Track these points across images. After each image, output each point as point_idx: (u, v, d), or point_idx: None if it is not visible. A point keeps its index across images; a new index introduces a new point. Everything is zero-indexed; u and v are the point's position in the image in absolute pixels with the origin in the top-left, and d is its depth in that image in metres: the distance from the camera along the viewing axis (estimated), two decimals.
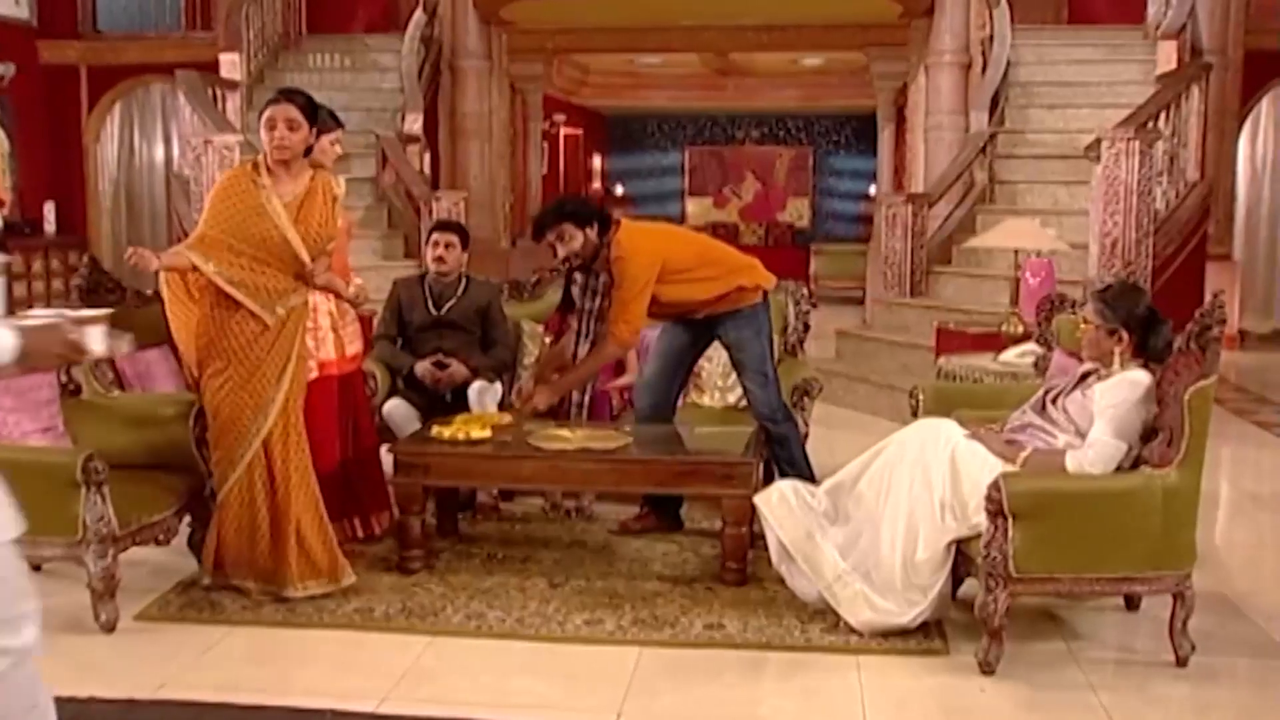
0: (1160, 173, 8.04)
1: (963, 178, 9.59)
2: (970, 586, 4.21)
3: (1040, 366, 5.29)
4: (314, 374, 4.92)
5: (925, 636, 4.06)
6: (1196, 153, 8.66)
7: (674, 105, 19.81)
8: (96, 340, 2.73)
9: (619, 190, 21.34)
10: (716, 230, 20.56)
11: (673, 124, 21.20)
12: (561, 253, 4.95)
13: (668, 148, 21.42)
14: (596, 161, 20.73)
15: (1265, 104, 12.12)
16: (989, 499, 3.73)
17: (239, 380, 4.34)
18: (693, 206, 21.41)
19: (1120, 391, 3.90)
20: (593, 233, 4.91)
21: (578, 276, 5.17)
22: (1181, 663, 3.88)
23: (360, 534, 5.11)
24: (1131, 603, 4.38)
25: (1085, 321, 4.09)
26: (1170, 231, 8.16)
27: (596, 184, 20.83)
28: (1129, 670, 3.92)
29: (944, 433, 4.15)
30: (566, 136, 18.49)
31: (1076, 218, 8.52)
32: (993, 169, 9.63)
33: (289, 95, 4.51)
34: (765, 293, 5.16)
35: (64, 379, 4.70)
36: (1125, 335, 3.98)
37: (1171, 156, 8.35)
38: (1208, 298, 3.97)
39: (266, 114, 4.44)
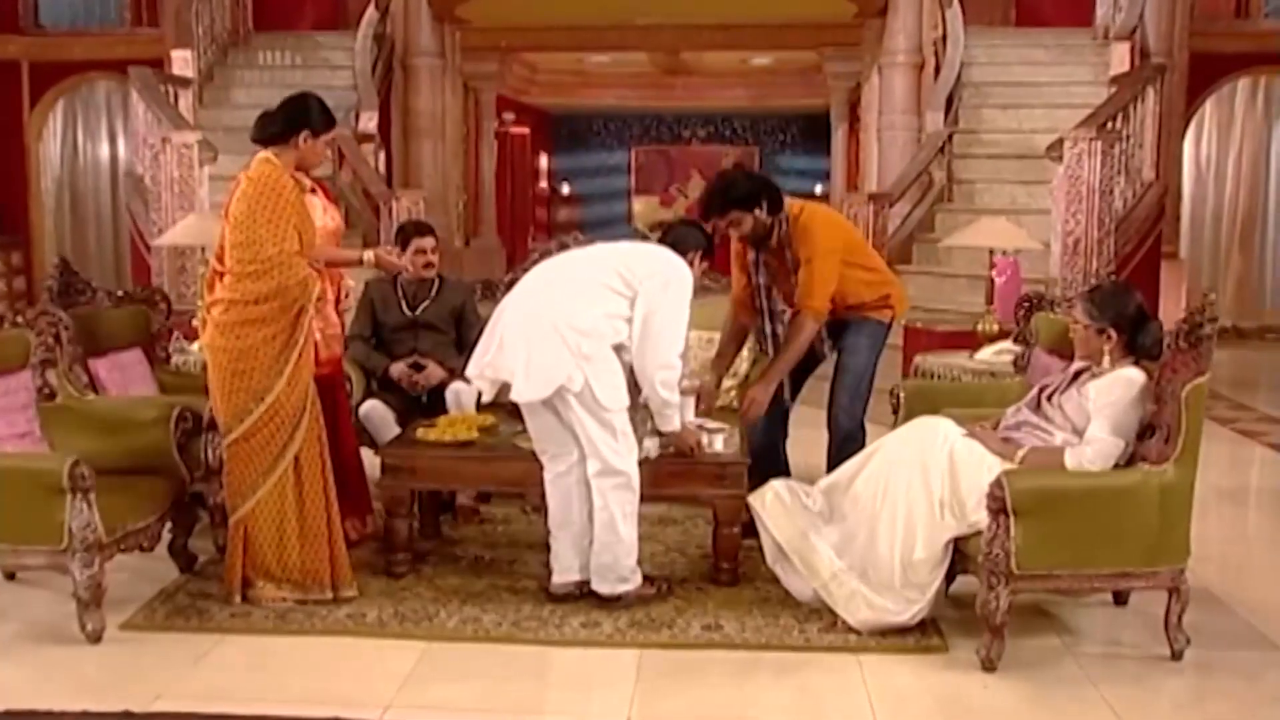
0: (1118, 173, 8.15)
1: (921, 177, 9.66)
2: (962, 583, 4.25)
3: (1020, 365, 5.33)
4: None
5: (923, 634, 4.08)
6: (1152, 153, 8.80)
7: (621, 104, 19.79)
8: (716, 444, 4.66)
9: (565, 189, 21.28)
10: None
11: (619, 123, 21.18)
12: (734, 235, 4.96)
13: (614, 147, 21.39)
14: (543, 160, 20.65)
15: (1209, 106, 12.37)
16: (992, 497, 3.75)
17: (283, 397, 4.26)
18: (639, 205, 21.42)
19: (1116, 390, 3.95)
20: (762, 212, 4.88)
21: (752, 252, 5.09)
22: (1176, 656, 3.94)
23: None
24: (1119, 598, 4.43)
25: (1075, 321, 4.14)
26: (1128, 231, 8.28)
27: (543, 183, 20.76)
28: (1125, 664, 3.96)
29: (941, 432, 4.17)
30: (514, 135, 18.41)
31: (1034, 216, 8.60)
32: (951, 168, 9.71)
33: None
34: (892, 318, 5.17)
35: (39, 383, 4.57)
36: (1114, 334, 4.03)
37: (1128, 157, 8.46)
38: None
39: (332, 134, 4.49)
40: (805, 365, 5.31)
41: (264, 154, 4.31)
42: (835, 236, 4.97)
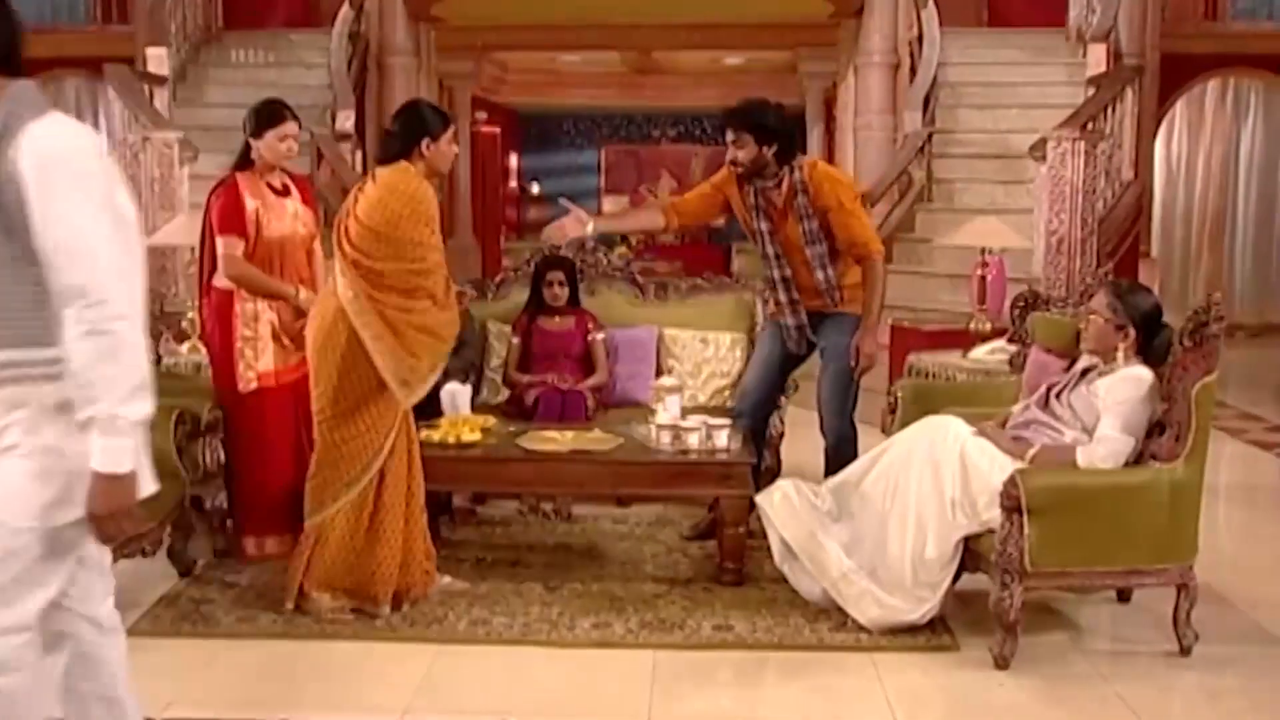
0: (1100, 172, 8.21)
1: (901, 177, 9.71)
2: (968, 580, 4.26)
3: (1016, 364, 5.35)
4: (253, 385, 4.79)
5: (933, 632, 4.10)
6: (1131, 153, 8.88)
7: (591, 103, 19.76)
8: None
9: (535, 188, 21.23)
10: None
11: (589, 122, 21.15)
12: (730, 155, 4.93)
13: (584, 146, 21.36)
14: (513, 160, 20.57)
15: (1179, 107, 12.48)
16: (1007, 495, 3.77)
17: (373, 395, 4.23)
18: (609, 205, 21.35)
19: (1127, 388, 3.98)
20: (769, 151, 4.85)
21: (750, 195, 5.02)
22: (1185, 652, 3.97)
23: None
24: (1123, 594, 4.46)
25: (1092, 312, 4.16)
26: (1109, 230, 8.33)
27: (513, 182, 20.70)
28: (1134, 660, 4.00)
29: (952, 431, 4.18)
30: (485, 134, 18.33)
31: (1013, 216, 8.64)
32: (930, 168, 9.77)
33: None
34: None
35: None
36: (1132, 332, 4.05)
37: (1108, 157, 8.52)
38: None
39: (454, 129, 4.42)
40: (783, 366, 5.31)
41: (404, 165, 4.26)
42: (852, 184, 5.03)
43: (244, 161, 4.84)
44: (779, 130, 4.89)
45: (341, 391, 4.18)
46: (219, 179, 4.94)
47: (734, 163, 4.95)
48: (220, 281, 4.79)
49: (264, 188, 4.80)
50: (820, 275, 4.97)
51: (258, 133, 4.76)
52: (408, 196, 4.18)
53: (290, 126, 4.79)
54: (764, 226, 5.05)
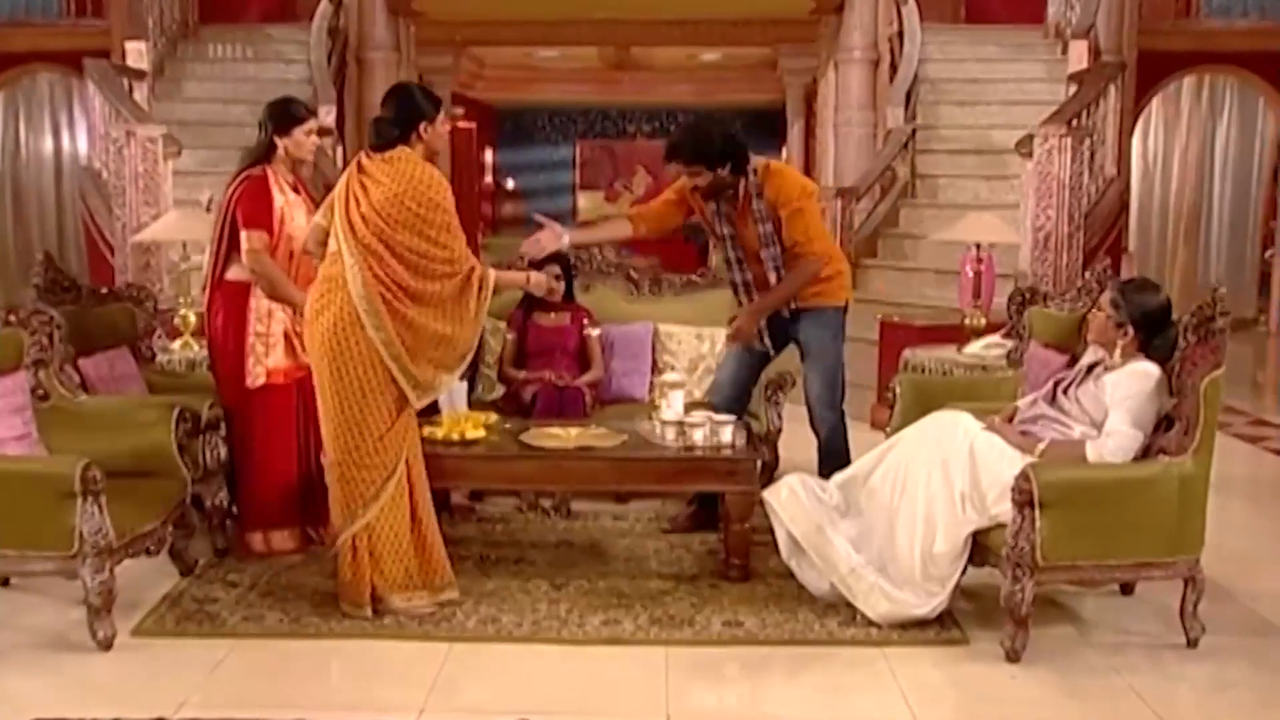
0: (1085, 168, 8.26)
1: (885, 173, 9.74)
2: (973, 575, 4.27)
3: (1014, 359, 5.38)
4: (261, 381, 4.76)
5: (943, 627, 4.11)
6: (1114, 149, 8.95)
7: (566, 99, 19.74)
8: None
9: (510, 184, 21.16)
10: None
11: (564, 118, 21.12)
12: (689, 183, 4.96)
13: (559, 142, 21.32)
14: (488, 155, 20.51)
15: (1156, 104, 12.57)
16: (1018, 489, 3.78)
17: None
18: (584, 201, 21.36)
19: (1135, 383, 4.00)
20: (724, 171, 4.87)
21: (711, 205, 5.05)
22: (1192, 644, 4.00)
23: (329, 543, 4.90)
24: (1126, 587, 4.50)
25: (1099, 308, 4.19)
26: (1093, 225, 8.40)
27: (488, 178, 20.63)
28: (1142, 652, 4.02)
29: (961, 426, 4.19)
30: (461, 130, 18.26)
31: (997, 211, 8.68)
32: (914, 164, 9.80)
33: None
34: (846, 302, 5.17)
35: (34, 383, 4.43)
36: (1131, 330, 4.08)
37: (1091, 153, 8.58)
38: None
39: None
40: (760, 360, 5.30)
41: (406, 151, 4.22)
42: (807, 185, 5.07)
43: (260, 159, 4.80)
44: (725, 149, 4.90)
45: (367, 396, 4.11)
46: (238, 173, 4.82)
47: (695, 189, 4.98)
48: (235, 275, 4.76)
49: (285, 185, 4.79)
50: (774, 278, 4.99)
51: (286, 129, 4.76)
52: (430, 190, 4.15)
53: (314, 122, 4.83)
54: (726, 231, 5.09)
